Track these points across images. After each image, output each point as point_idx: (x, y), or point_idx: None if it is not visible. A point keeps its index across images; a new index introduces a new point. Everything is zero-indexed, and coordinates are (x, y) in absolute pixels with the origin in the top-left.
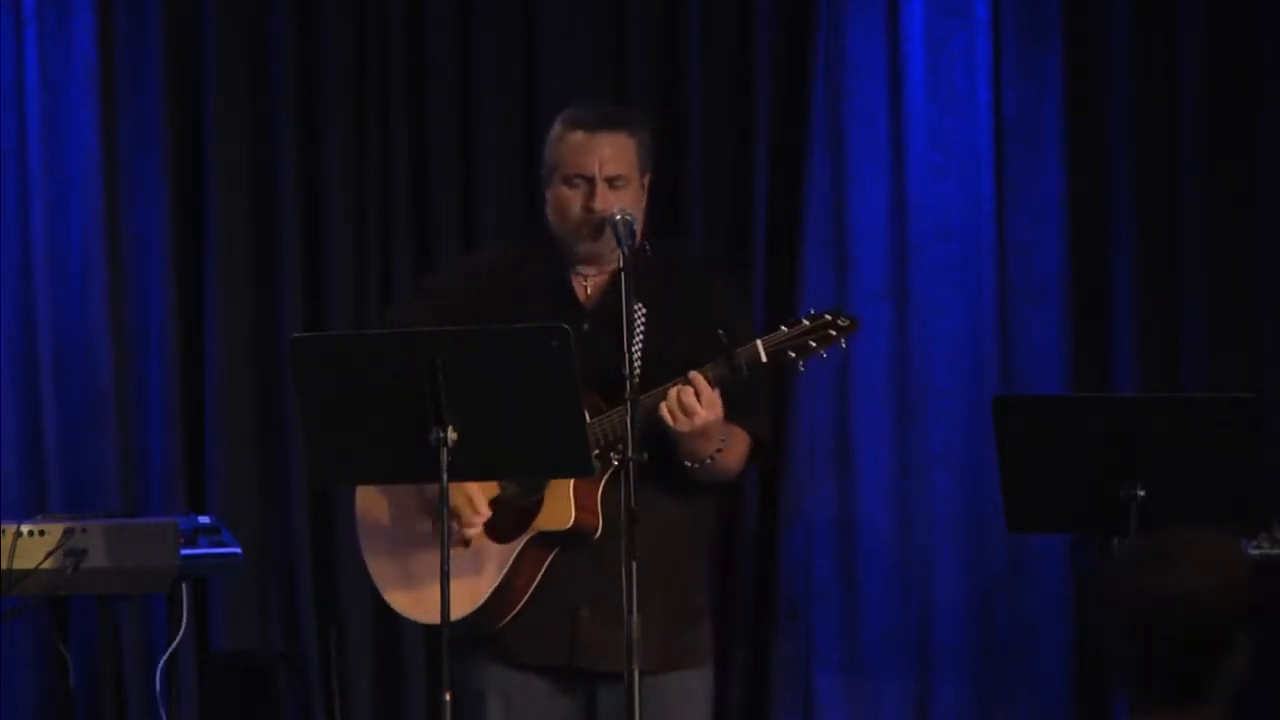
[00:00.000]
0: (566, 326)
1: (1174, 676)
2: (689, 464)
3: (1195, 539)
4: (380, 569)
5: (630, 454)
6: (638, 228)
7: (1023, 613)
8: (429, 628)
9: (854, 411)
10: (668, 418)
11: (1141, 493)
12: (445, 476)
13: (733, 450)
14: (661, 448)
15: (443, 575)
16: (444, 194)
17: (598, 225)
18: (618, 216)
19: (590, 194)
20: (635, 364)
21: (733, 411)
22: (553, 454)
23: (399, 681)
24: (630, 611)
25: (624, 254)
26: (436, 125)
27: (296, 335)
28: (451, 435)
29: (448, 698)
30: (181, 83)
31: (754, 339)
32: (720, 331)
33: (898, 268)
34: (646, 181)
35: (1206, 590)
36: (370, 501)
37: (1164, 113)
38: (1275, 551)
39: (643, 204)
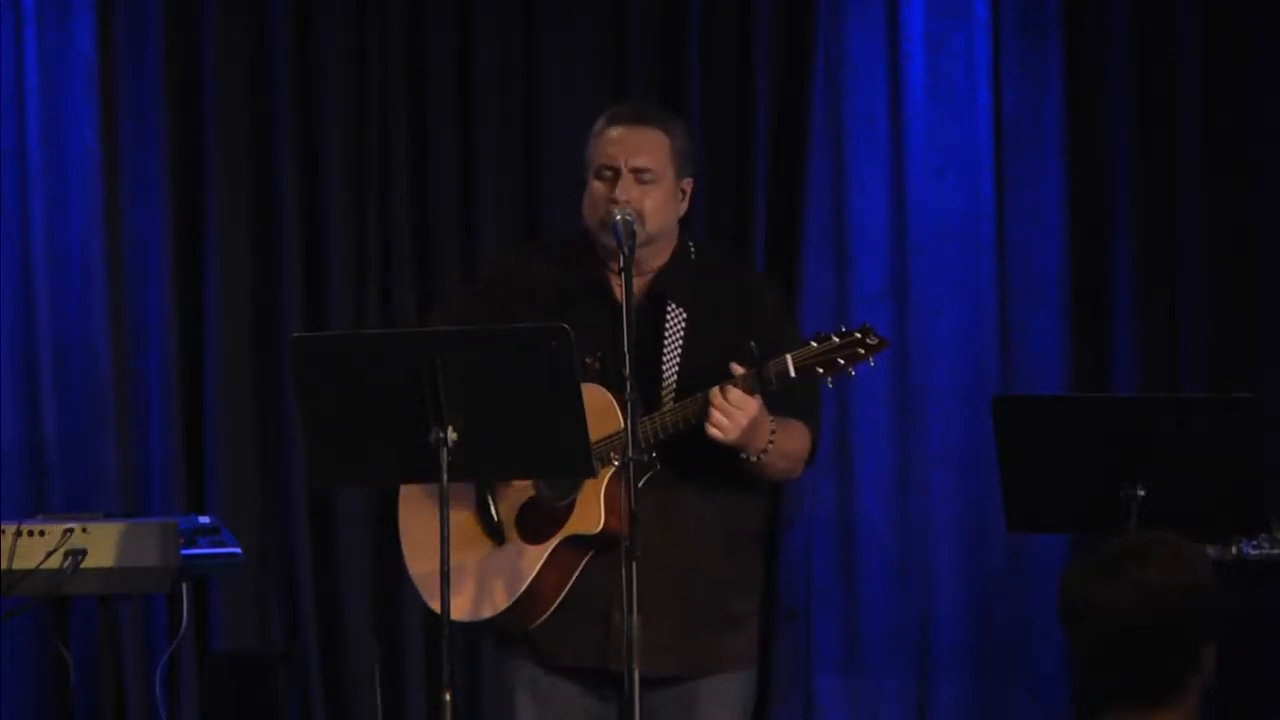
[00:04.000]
0: (566, 326)
1: (1143, 678)
2: (751, 459)
3: (1156, 540)
4: (417, 566)
5: (630, 454)
6: (638, 228)
7: (1022, 613)
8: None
9: (854, 411)
10: (718, 435)
11: (1141, 493)
12: (445, 476)
13: (791, 439)
14: (698, 450)
15: (443, 575)
16: (444, 194)
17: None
18: (618, 216)
19: (614, 183)
20: (673, 368)
21: (792, 411)
22: (553, 454)
23: (399, 681)
24: (631, 611)
25: (624, 254)
26: (436, 125)
27: (296, 335)
28: (451, 435)
29: (448, 698)
30: (181, 83)
31: (784, 353)
32: (752, 344)
33: (898, 268)
34: (687, 186)
35: (1172, 588)
36: (411, 499)
37: (1164, 113)
38: (1275, 551)
39: (680, 207)
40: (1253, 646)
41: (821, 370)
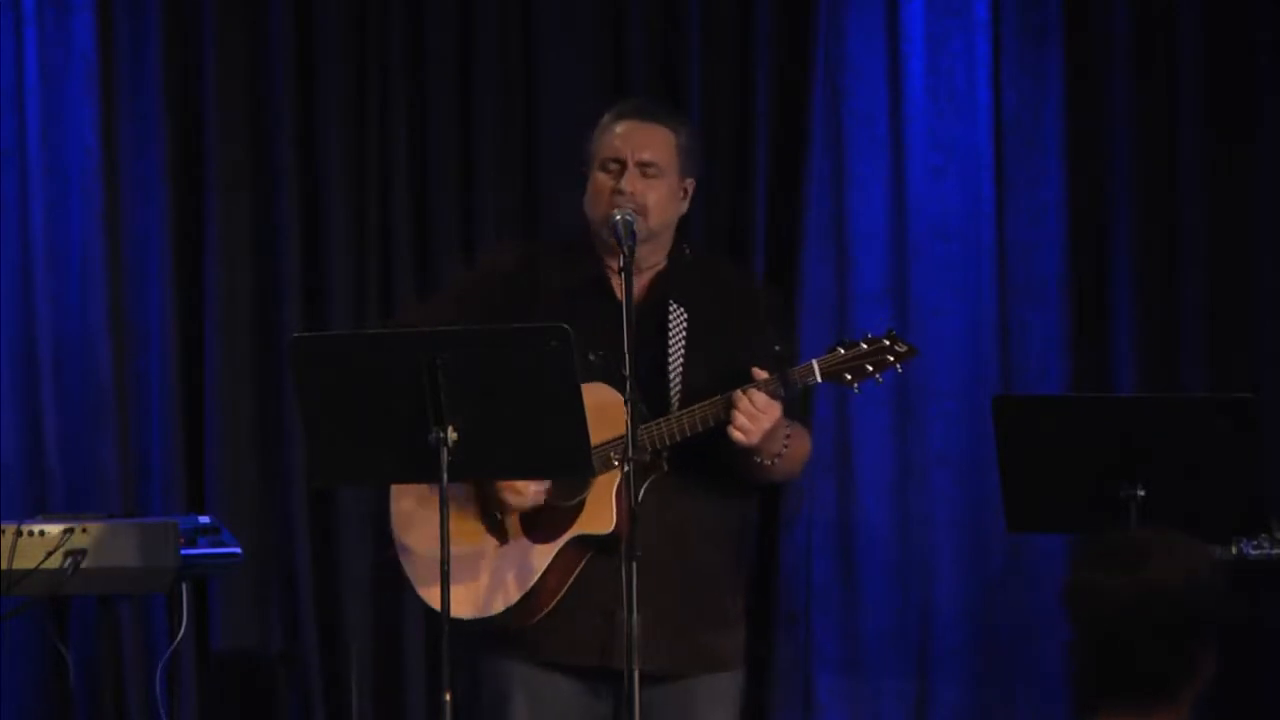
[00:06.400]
0: (566, 326)
1: (1143, 675)
2: (766, 463)
3: (1161, 537)
4: (414, 564)
5: (630, 454)
6: (638, 228)
7: (1022, 613)
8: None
9: (854, 412)
10: (741, 438)
11: (1141, 493)
12: (445, 476)
13: (802, 444)
14: (697, 451)
15: (443, 575)
16: (444, 194)
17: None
18: (618, 216)
19: (620, 176)
20: (678, 368)
21: (794, 414)
22: (553, 454)
23: (399, 681)
24: (631, 611)
25: (624, 253)
26: (436, 124)
27: (296, 335)
28: (451, 435)
29: (448, 698)
30: (181, 83)
31: (810, 359)
32: (777, 348)
33: (898, 268)
34: (689, 185)
35: (1177, 585)
36: (406, 498)
37: (1164, 113)
38: (1275, 551)
39: (681, 206)
40: (1253, 647)
41: (850, 376)
